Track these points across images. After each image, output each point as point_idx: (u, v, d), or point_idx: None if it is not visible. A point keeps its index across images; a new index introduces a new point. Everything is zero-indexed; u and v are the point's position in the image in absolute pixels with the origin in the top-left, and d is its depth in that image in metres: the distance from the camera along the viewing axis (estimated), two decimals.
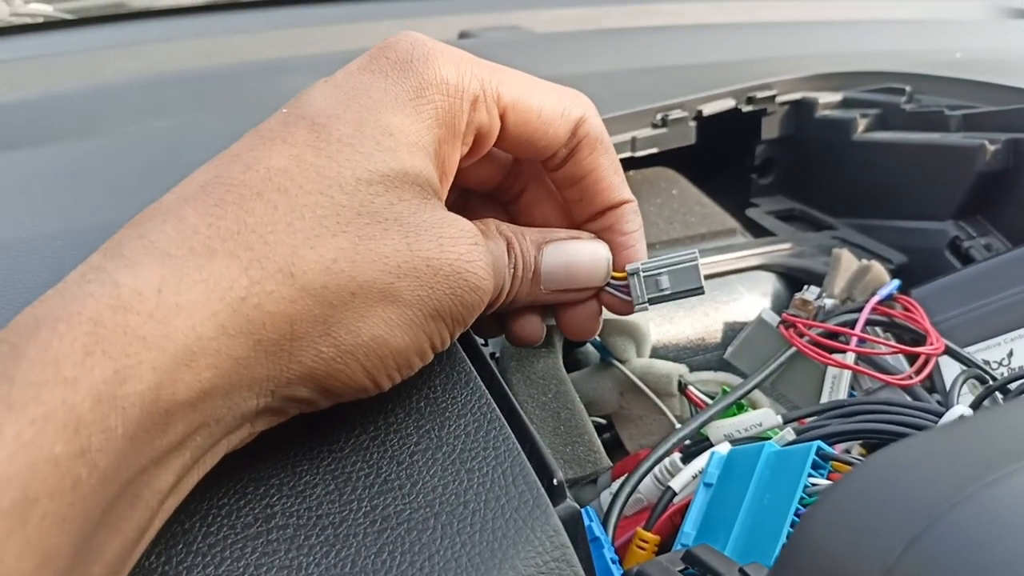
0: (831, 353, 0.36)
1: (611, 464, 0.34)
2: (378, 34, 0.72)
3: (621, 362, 0.39)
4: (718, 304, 0.45)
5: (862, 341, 0.36)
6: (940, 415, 0.30)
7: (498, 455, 0.24)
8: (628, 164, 0.49)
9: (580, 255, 0.29)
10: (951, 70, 0.53)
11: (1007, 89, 0.49)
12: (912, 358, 0.37)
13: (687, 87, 0.52)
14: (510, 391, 0.27)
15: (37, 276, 0.32)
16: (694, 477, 0.32)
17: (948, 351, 0.37)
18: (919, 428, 0.31)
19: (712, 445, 0.33)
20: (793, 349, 0.37)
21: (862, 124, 0.52)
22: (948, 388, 0.34)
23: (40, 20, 0.75)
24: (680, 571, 0.24)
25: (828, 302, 0.40)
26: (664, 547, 0.31)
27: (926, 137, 0.48)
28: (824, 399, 0.37)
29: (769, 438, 0.32)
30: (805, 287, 0.41)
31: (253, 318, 0.20)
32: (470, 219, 0.26)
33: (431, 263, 0.23)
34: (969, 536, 0.13)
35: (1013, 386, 0.32)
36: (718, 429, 0.34)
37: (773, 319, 0.40)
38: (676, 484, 0.32)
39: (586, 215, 0.30)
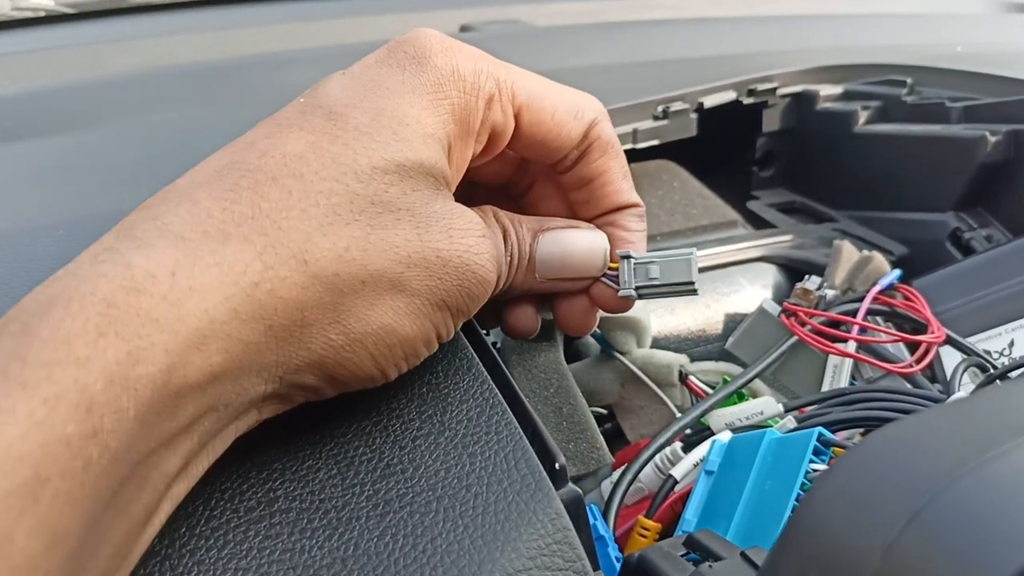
0: (832, 342, 0.36)
1: (613, 460, 0.34)
2: (380, 28, 0.73)
3: (622, 354, 0.39)
4: (719, 295, 0.45)
5: (863, 330, 0.36)
6: (942, 403, 0.30)
7: (500, 440, 0.24)
8: (630, 156, 0.48)
9: (576, 244, 0.29)
10: (952, 64, 0.53)
11: (1008, 80, 0.49)
12: (913, 347, 0.37)
13: (688, 80, 0.52)
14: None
15: (39, 265, 0.32)
16: (695, 465, 0.32)
17: (949, 340, 0.37)
18: None
19: (713, 434, 0.33)
20: (794, 338, 0.37)
21: (863, 116, 0.52)
22: (949, 376, 0.34)
23: (42, 14, 0.75)
24: (682, 556, 0.24)
25: (829, 292, 0.40)
26: (666, 535, 0.31)
27: (927, 129, 0.48)
28: (825, 388, 0.37)
29: (770, 426, 0.32)
30: (806, 277, 0.41)
31: (265, 303, 0.20)
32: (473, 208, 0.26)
33: (440, 254, 0.23)
34: (970, 510, 0.13)
35: (1014, 374, 0.32)
36: (719, 418, 0.34)
37: (774, 309, 0.40)
38: (677, 472, 0.32)
39: (592, 216, 0.30)
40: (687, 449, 0.33)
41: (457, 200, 0.25)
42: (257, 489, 0.23)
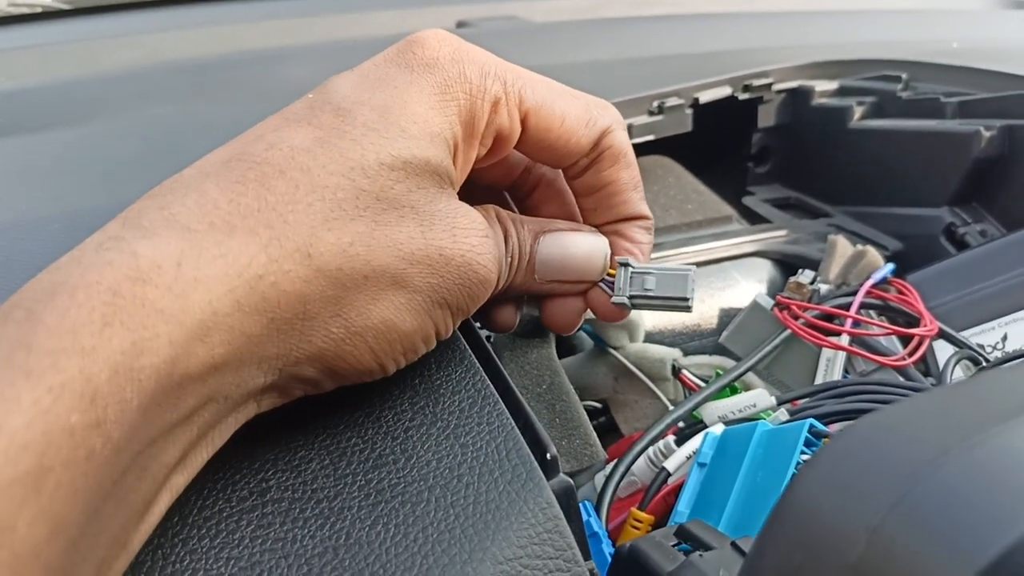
0: (826, 335, 0.36)
1: (606, 456, 0.34)
2: (376, 24, 0.73)
3: (615, 349, 0.39)
4: (713, 290, 0.45)
5: (856, 323, 0.37)
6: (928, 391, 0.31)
7: (492, 430, 0.24)
8: None
9: (578, 247, 0.29)
10: (948, 60, 0.53)
11: (1003, 76, 0.49)
12: (906, 341, 0.37)
13: (684, 76, 0.52)
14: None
15: (35, 258, 0.32)
16: (688, 458, 0.32)
17: (942, 333, 0.37)
18: None
19: (706, 427, 0.33)
20: (788, 332, 0.37)
21: (858, 112, 0.52)
22: (941, 369, 0.34)
23: (38, 10, 0.75)
24: (673, 546, 0.24)
25: (823, 287, 0.40)
26: (658, 527, 0.31)
27: (922, 124, 0.48)
28: (818, 382, 0.37)
29: (763, 419, 0.32)
30: (800, 271, 0.41)
31: (269, 296, 0.20)
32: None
33: (443, 252, 0.23)
34: (954, 494, 0.14)
35: (1006, 367, 0.33)
36: (712, 410, 0.34)
37: (768, 303, 0.40)
38: (670, 465, 0.32)
39: (598, 224, 0.30)
40: (680, 442, 0.33)
41: (460, 199, 0.25)
42: (249, 479, 0.23)
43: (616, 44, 0.68)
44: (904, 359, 0.35)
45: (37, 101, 0.55)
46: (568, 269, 0.29)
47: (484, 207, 0.27)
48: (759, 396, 0.33)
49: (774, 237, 0.48)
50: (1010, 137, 0.44)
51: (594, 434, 0.34)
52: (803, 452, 0.27)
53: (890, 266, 0.40)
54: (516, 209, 0.32)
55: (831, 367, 0.37)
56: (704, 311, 0.45)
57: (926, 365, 0.38)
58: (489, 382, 0.26)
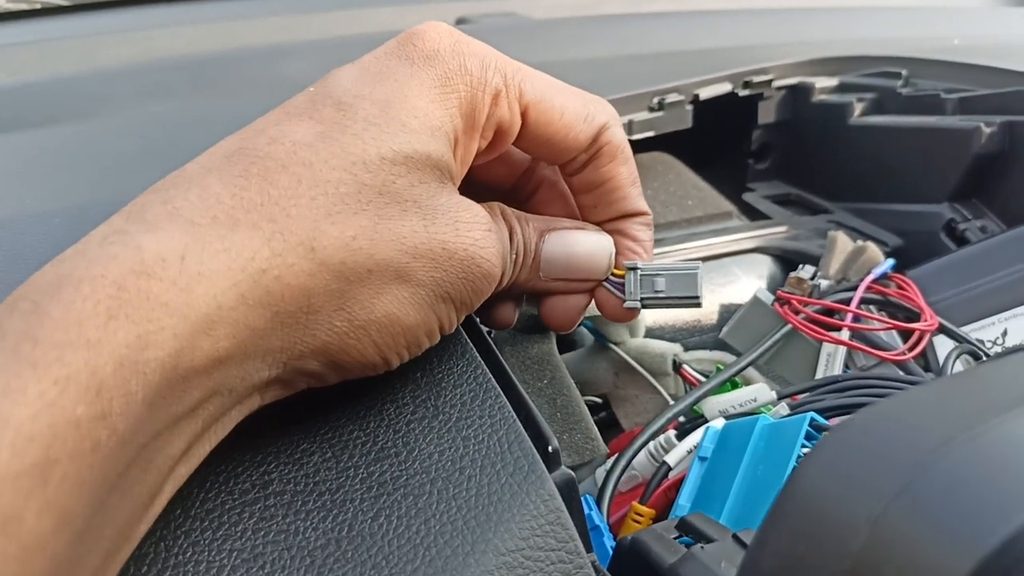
0: (826, 330, 0.36)
1: (607, 450, 0.34)
2: (376, 20, 0.72)
3: (615, 344, 0.39)
4: (714, 286, 0.45)
5: (857, 318, 0.37)
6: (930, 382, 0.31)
7: (494, 423, 0.24)
8: None
9: (582, 245, 0.29)
10: (948, 56, 0.53)
11: (1003, 72, 0.49)
12: (906, 335, 0.37)
13: (684, 73, 0.52)
14: None
15: (36, 253, 0.32)
16: (689, 452, 0.32)
17: (942, 328, 0.37)
18: None
19: (707, 421, 0.33)
20: (788, 327, 0.37)
21: (858, 108, 0.52)
22: (941, 364, 0.34)
23: (37, 6, 0.75)
24: (674, 539, 0.24)
25: (823, 282, 0.40)
26: (659, 521, 0.31)
27: (922, 120, 0.48)
28: (819, 376, 0.37)
29: (763, 413, 0.32)
30: (800, 266, 0.41)
31: (272, 290, 0.20)
32: None
33: (447, 246, 0.23)
34: (957, 483, 0.14)
35: (1007, 359, 0.33)
36: (713, 405, 0.34)
37: (768, 298, 0.40)
38: (671, 459, 0.32)
39: (598, 222, 0.30)
40: (681, 436, 0.33)
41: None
42: (252, 472, 0.23)
43: (615, 40, 0.68)
44: (904, 354, 0.35)
45: (37, 97, 0.54)
46: (573, 267, 0.29)
47: (489, 204, 0.27)
48: (760, 391, 0.34)
49: (774, 233, 0.48)
50: (1010, 133, 0.44)
51: (595, 428, 0.34)
52: (804, 446, 0.27)
53: (890, 261, 0.40)
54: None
55: (831, 362, 0.37)
56: (704, 306, 0.45)
57: (926, 360, 0.38)
58: (491, 375, 0.26)
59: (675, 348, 0.39)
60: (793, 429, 0.28)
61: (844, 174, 0.53)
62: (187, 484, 0.22)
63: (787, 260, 0.47)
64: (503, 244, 0.26)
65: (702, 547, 0.23)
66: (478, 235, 0.24)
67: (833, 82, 0.55)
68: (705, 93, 0.51)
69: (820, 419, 0.28)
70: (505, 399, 0.25)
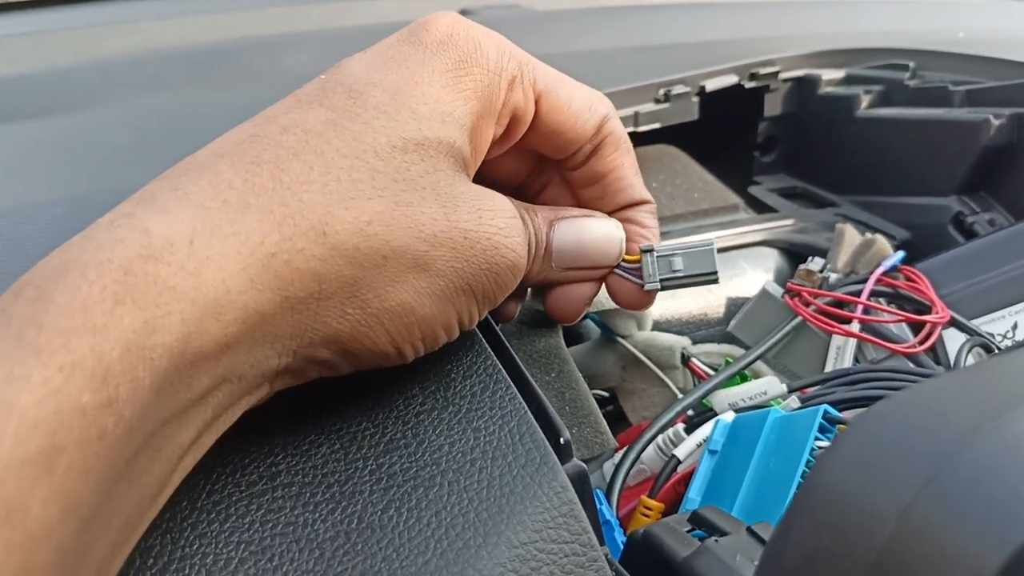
0: (837, 322, 0.36)
1: (616, 444, 0.34)
2: (378, 11, 0.72)
3: (623, 338, 0.39)
4: (720, 279, 0.45)
5: (867, 310, 0.36)
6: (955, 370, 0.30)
7: (504, 415, 0.24)
8: (631, 140, 0.48)
9: (593, 232, 0.28)
10: (954, 49, 0.53)
11: (1011, 64, 0.48)
12: (916, 328, 0.37)
13: (690, 64, 0.51)
14: None
15: (37, 242, 0.32)
16: (698, 445, 0.32)
17: (953, 321, 0.36)
18: None
19: (716, 415, 0.33)
20: (798, 319, 0.37)
21: (865, 100, 0.52)
22: (953, 358, 0.34)
23: None
24: (687, 532, 0.24)
25: (832, 276, 0.40)
26: (668, 515, 0.31)
27: (930, 113, 0.48)
28: (828, 370, 0.37)
29: (774, 407, 0.32)
30: (809, 258, 0.41)
31: (282, 274, 0.20)
32: None
33: (468, 235, 0.23)
34: (987, 472, 0.13)
35: None
36: (722, 398, 0.34)
37: (777, 291, 0.39)
38: (680, 452, 0.32)
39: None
40: (690, 430, 0.32)
41: None
42: (259, 463, 0.23)
43: (619, 32, 0.68)
44: (915, 347, 0.35)
45: (35, 88, 0.54)
46: (584, 255, 0.28)
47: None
48: (770, 384, 0.33)
49: (781, 226, 0.48)
50: (1019, 125, 0.44)
51: (604, 422, 0.34)
52: (817, 438, 0.27)
53: (900, 254, 0.40)
54: None
55: (841, 355, 0.36)
56: (711, 300, 0.44)
57: (936, 354, 0.38)
58: (501, 367, 0.26)
59: (683, 341, 0.38)
60: (806, 421, 0.27)
61: (851, 167, 0.53)
62: (193, 475, 0.22)
63: (794, 253, 0.47)
64: (528, 234, 0.26)
65: (716, 540, 0.22)
66: (502, 223, 0.24)
67: (840, 74, 0.54)
68: (711, 85, 0.50)
69: (833, 411, 0.28)
70: (515, 391, 0.25)
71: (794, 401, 0.32)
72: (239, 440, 0.23)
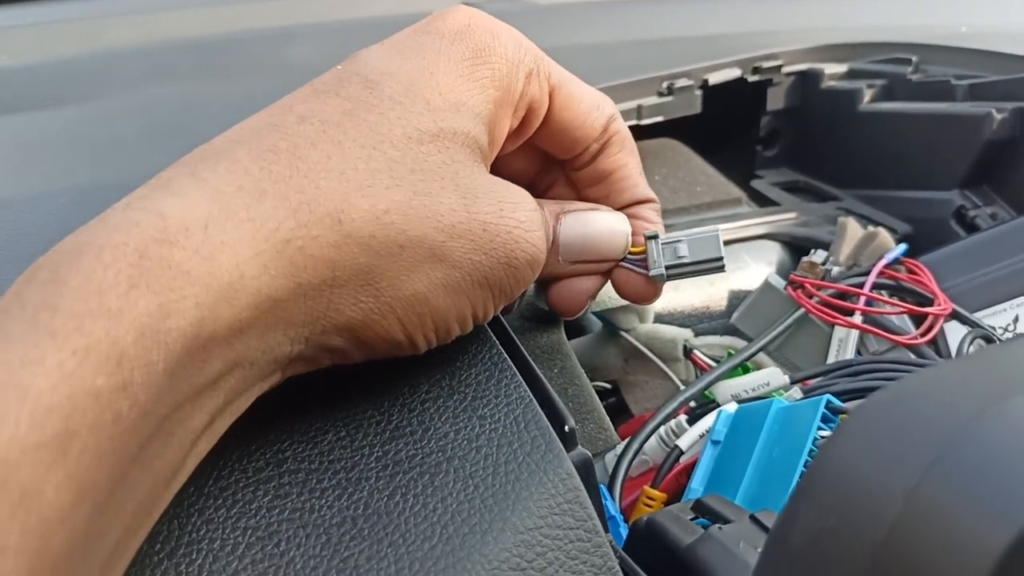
0: (839, 314, 0.36)
1: (619, 440, 0.34)
2: (380, 4, 0.72)
3: (625, 331, 0.39)
4: (723, 273, 0.45)
5: (870, 302, 0.36)
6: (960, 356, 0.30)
7: (510, 402, 0.24)
8: (634, 133, 0.48)
9: (599, 225, 0.28)
10: (957, 43, 0.53)
11: (1014, 58, 0.48)
12: (918, 320, 0.37)
13: (692, 58, 0.51)
14: None
15: (42, 232, 0.32)
16: (701, 436, 0.32)
17: (955, 313, 0.37)
18: None
19: (718, 406, 0.33)
20: (800, 311, 0.37)
21: (868, 94, 0.52)
22: (955, 350, 0.34)
23: None
24: (690, 519, 0.24)
25: (834, 269, 0.40)
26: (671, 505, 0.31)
27: (932, 107, 0.48)
28: (831, 362, 0.37)
29: (776, 398, 0.32)
30: (812, 251, 0.41)
31: (295, 260, 0.20)
32: None
33: (488, 228, 0.23)
34: (993, 454, 0.13)
35: None
36: (725, 389, 0.34)
37: (779, 283, 0.39)
38: (683, 443, 0.32)
39: None
40: (692, 421, 0.33)
41: None
42: (265, 450, 0.23)
43: (621, 26, 0.68)
44: (917, 338, 0.35)
45: (40, 79, 0.54)
46: (591, 248, 0.28)
47: None
48: (772, 375, 0.33)
49: (783, 220, 0.48)
50: (1021, 120, 0.44)
51: (607, 419, 0.34)
52: (820, 428, 0.27)
53: (903, 246, 0.40)
54: None
55: (843, 347, 0.37)
56: (713, 293, 0.44)
57: (938, 346, 0.38)
58: (506, 355, 0.26)
59: (686, 333, 0.38)
60: (809, 412, 0.27)
61: (853, 161, 0.53)
62: (200, 462, 0.22)
63: (796, 246, 0.47)
64: (547, 228, 0.26)
65: (720, 528, 0.22)
66: (523, 216, 0.24)
67: (843, 68, 0.54)
68: (714, 78, 0.50)
69: (837, 401, 0.28)
70: (520, 378, 0.25)
71: (796, 392, 0.33)
72: (245, 427, 0.23)
